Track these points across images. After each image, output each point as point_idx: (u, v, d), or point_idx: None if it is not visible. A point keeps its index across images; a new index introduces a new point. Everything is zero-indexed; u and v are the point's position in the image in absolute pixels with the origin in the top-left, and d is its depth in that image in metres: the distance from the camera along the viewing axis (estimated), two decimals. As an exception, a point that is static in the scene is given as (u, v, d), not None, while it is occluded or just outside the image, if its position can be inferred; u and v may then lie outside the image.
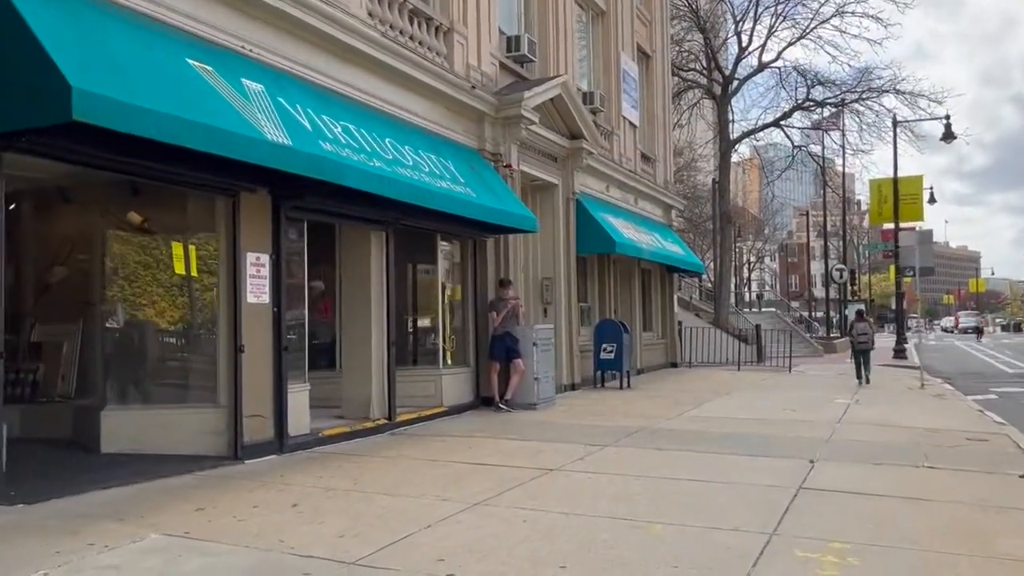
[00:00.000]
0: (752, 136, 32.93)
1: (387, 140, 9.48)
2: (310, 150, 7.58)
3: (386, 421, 10.02)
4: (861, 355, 17.39)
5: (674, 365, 22.56)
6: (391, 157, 9.19)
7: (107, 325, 8.40)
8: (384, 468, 7.62)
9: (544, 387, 12.43)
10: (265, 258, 8.25)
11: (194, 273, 8.25)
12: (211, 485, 6.77)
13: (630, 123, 19.70)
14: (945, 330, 69.99)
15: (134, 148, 6.51)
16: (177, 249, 8.24)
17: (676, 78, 30.00)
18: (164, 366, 8.52)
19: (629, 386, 16.04)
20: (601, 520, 5.72)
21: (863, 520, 5.80)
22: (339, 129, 8.55)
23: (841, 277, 38.55)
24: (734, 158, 34.78)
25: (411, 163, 9.58)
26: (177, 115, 6.00)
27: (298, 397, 8.61)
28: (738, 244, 54.11)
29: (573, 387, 15.17)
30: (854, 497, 6.53)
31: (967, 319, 71.13)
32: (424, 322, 12.28)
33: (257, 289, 8.13)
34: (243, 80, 7.44)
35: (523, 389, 12.13)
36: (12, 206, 8.71)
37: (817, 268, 74.91)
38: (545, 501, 6.28)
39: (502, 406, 11.92)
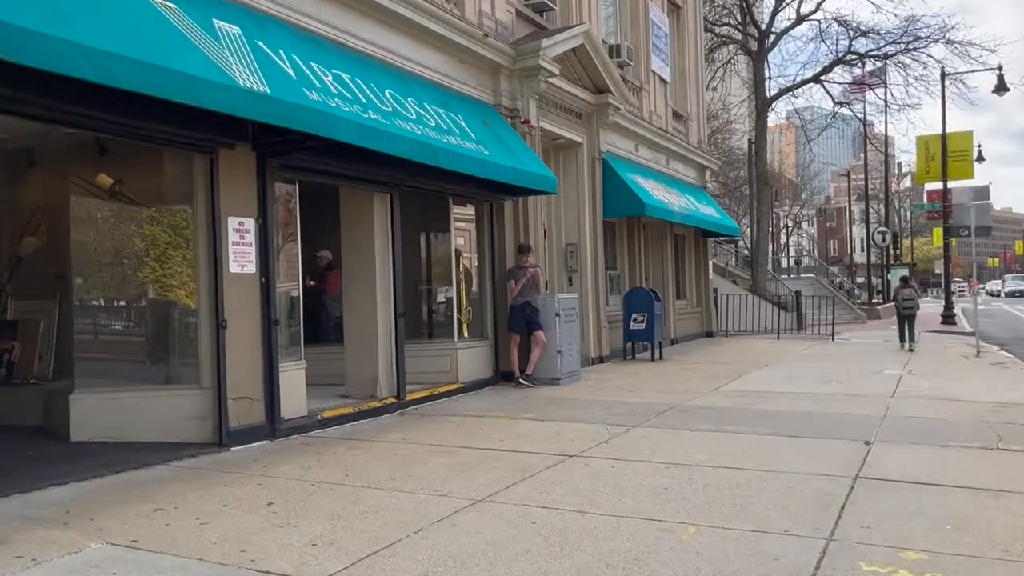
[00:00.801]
0: (790, 93, 31.29)
1: (387, 92, 8.56)
2: (292, 99, 6.69)
3: (394, 400, 9.22)
4: (906, 320, 17.35)
5: (709, 334, 21.52)
6: (390, 109, 8.27)
7: (76, 300, 7.65)
8: (383, 456, 6.81)
9: (568, 361, 11.53)
10: (250, 223, 7.41)
11: (171, 241, 7.42)
12: (183, 478, 6.00)
13: (660, 79, 18.52)
14: (991, 294, 67.73)
15: (91, 98, 5.71)
16: (153, 214, 7.42)
17: (709, 34, 28.54)
18: (140, 344, 7.76)
19: (661, 358, 15.09)
20: (624, 522, 4.84)
21: (937, 520, 4.84)
22: (329, 78, 7.64)
23: (884, 241, 37.00)
24: (770, 122, 33.20)
25: (414, 117, 8.66)
26: (118, 53, 5.13)
27: (292, 376, 7.82)
28: (775, 210, 52.47)
29: (601, 360, 14.26)
30: (922, 489, 5.56)
31: (1014, 282, 68.73)
32: (437, 292, 11.43)
33: (241, 258, 7.31)
34: (215, 21, 6.56)
35: (545, 363, 11.25)
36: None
37: (857, 232, 72.84)
38: (559, 496, 5.41)
39: (523, 381, 11.06)
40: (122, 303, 7.70)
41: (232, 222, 7.23)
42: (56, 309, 7.94)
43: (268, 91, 6.40)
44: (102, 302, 7.74)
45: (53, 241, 7.91)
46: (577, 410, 9.11)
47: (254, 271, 7.44)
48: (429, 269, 11.67)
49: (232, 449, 7.01)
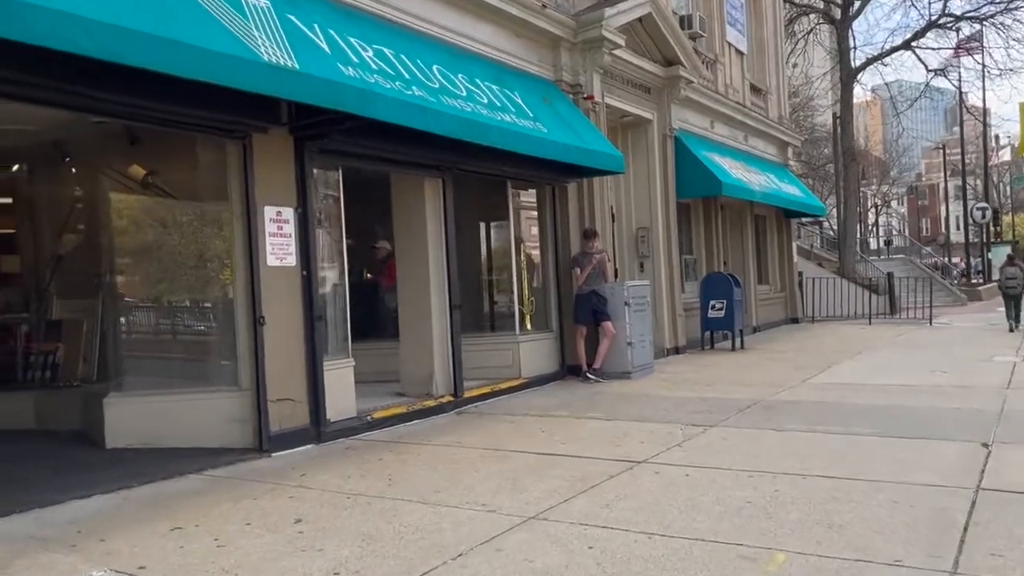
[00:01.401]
0: (878, 62, 29.41)
1: (434, 67, 7.95)
2: (324, 75, 6.14)
3: (452, 398, 8.64)
4: (1012, 300, 16.52)
5: (795, 321, 20.31)
6: (437, 86, 7.66)
7: (112, 298, 7.31)
8: (431, 462, 6.22)
9: (639, 353, 10.76)
10: (289, 213, 6.92)
11: (206, 234, 7.00)
12: (214, 490, 5.54)
13: (736, 50, 17.43)
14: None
15: (105, 80, 5.28)
16: (186, 206, 7.01)
17: (788, 4, 27.02)
18: (179, 345, 7.37)
19: (742, 347, 14.14)
20: (699, 547, 4.11)
21: (1088, 547, 3.95)
22: (369, 53, 7.08)
23: (983, 217, 34.68)
24: (855, 97, 31.31)
25: (464, 94, 8.03)
26: (122, 26, 4.64)
27: (339, 375, 7.32)
28: (863, 189, 49.94)
29: (676, 351, 13.41)
30: (1062, 505, 4.65)
31: None
32: (497, 282, 10.80)
33: (279, 250, 6.82)
34: (241, -7, 6.05)
35: (614, 356, 10.51)
36: (16, 167, 7.79)
37: (952, 210, 68.97)
38: (623, 513, 4.71)
39: (590, 376, 10.35)
40: (159, 301, 7.32)
41: (269, 212, 6.74)
42: (99, 308, 7.63)
43: (296, 66, 5.86)
44: (139, 300, 7.39)
45: (92, 238, 7.59)
46: (648, 407, 8.36)
47: (294, 264, 6.95)
48: (488, 258, 11.06)
49: (273, 455, 6.55)
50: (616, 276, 12.54)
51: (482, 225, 11.05)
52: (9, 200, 8.20)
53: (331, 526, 4.65)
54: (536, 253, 10.98)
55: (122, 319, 7.41)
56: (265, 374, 6.61)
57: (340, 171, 7.59)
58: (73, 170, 7.60)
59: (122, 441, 6.51)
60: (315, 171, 7.24)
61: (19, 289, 8.08)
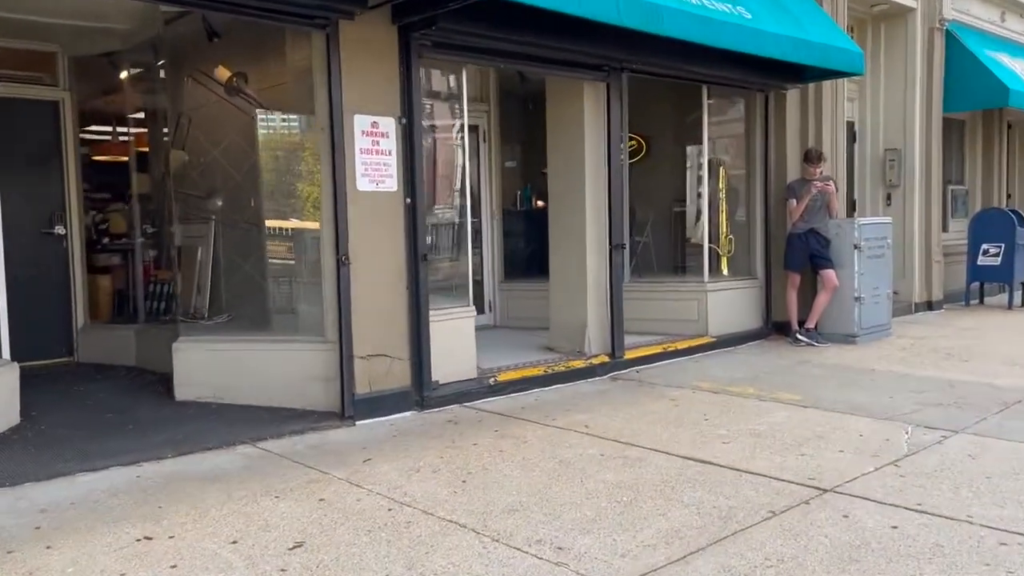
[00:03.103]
0: None
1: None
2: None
3: (607, 359, 7.00)
4: None
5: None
6: (588, -45, 5.80)
7: (221, 224, 6.43)
8: (535, 455, 4.69)
9: (871, 310, 8.36)
10: (389, 124, 5.54)
11: (290, 149, 5.83)
12: (249, 474, 4.42)
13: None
14: None
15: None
16: (270, 115, 5.86)
17: None
18: (265, 284, 6.34)
19: (1022, 305, 10.98)
20: None
21: None
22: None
23: None
24: None
25: (629, -33, 6.09)
26: None
27: (454, 328, 5.98)
28: None
29: (929, 306, 10.62)
30: None
31: None
32: (682, 215, 8.85)
33: (374, 171, 5.48)
34: None
35: (836, 313, 8.23)
36: (124, 74, 7.06)
37: None
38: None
39: (801, 337, 8.19)
40: (250, 232, 6.33)
41: (360, 122, 5.40)
42: (211, 234, 6.82)
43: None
44: (237, 228, 6.46)
45: (195, 154, 6.74)
46: (868, 390, 6.19)
47: (394, 188, 5.59)
48: (674, 184, 9.09)
49: (358, 423, 5.37)
50: (855, 210, 10.10)
51: (663, 141, 9.07)
52: (140, 114, 7.58)
53: (337, 556, 3.30)
54: (738, 179, 8.84)
55: (221, 249, 6.54)
56: (352, 325, 5.38)
57: (464, 73, 6.06)
58: (165, 75, 6.76)
59: (191, 393, 5.64)
60: (424, 71, 5.77)
61: (148, 210, 7.52)
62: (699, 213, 8.47)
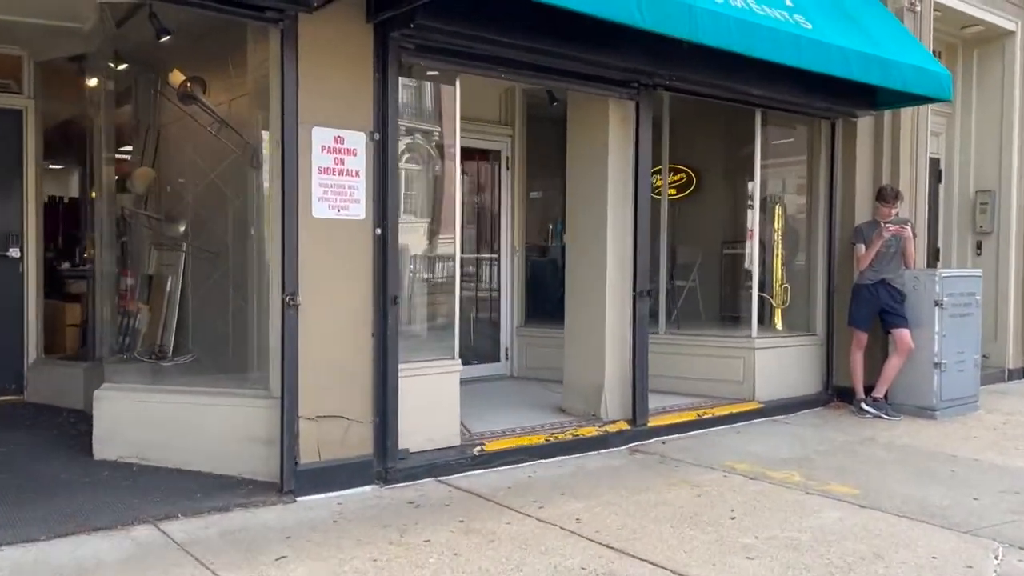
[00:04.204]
0: None
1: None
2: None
3: (627, 426, 5.89)
4: None
5: None
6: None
7: (191, 252, 5.62)
8: (500, 564, 3.62)
9: (954, 379, 7.02)
10: (357, 139, 4.64)
11: (240, 166, 4.97)
12: (129, 564, 3.49)
13: None
14: None
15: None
16: (219, 127, 5.02)
17: None
18: (213, 325, 5.46)
19: None
20: None
21: None
22: None
23: None
24: None
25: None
26: None
27: (429, 385, 4.99)
28: None
29: (1025, 374, 9.14)
30: None
31: None
32: (733, 258, 7.71)
33: (336, 195, 4.58)
34: None
35: (911, 381, 6.93)
36: (96, 81, 6.36)
37: None
38: None
39: (867, 407, 6.92)
40: (210, 260, 5.49)
41: (320, 136, 4.51)
42: (180, 264, 6.03)
43: None
44: (195, 258, 5.62)
45: (168, 172, 5.96)
46: (947, 484, 4.92)
47: (361, 216, 4.66)
48: (726, 222, 7.98)
49: (299, 500, 4.40)
50: (938, 260, 8.80)
51: (716, 175, 7.99)
52: (107, 126, 6.80)
53: None
54: (799, 219, 7.66)
55: (190, 280, 5.73)
56: (298, 378, 4.45)
57: (458, 84, 5.13)
58: (131, 83, 6.02)
59: (113, 451, 4.77)
60: (406, 76, 4.86)
61: (116, 233, 6.78)
62: (750, 256, 7.31)
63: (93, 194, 6.35)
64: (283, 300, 4.41)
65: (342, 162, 4.58)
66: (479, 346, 7.88)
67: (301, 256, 4.45)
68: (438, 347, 5.20)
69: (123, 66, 5.87)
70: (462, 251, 6.07)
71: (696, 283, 8.38)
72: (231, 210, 5.32)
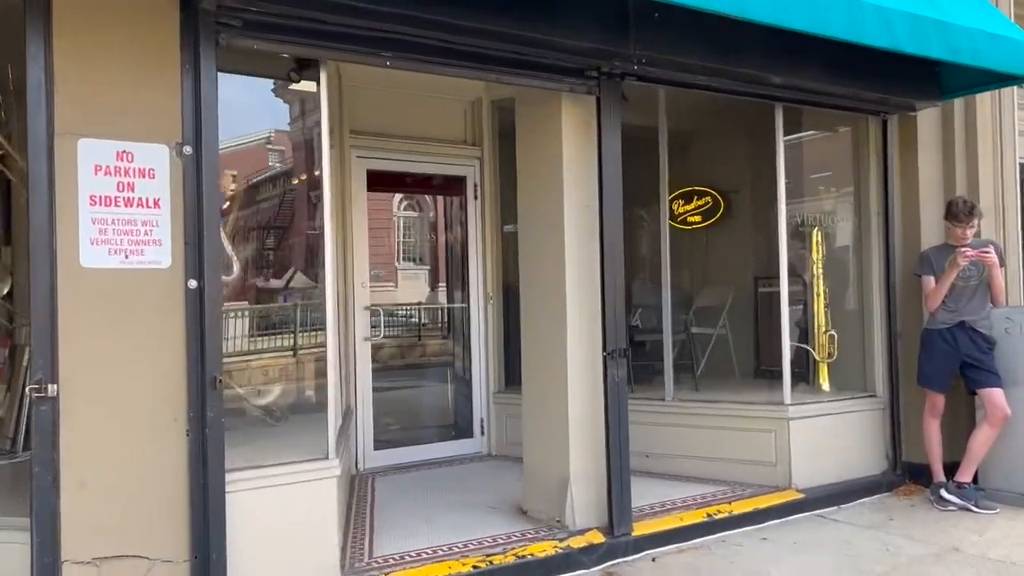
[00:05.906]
0: None
1: None
2: None
3: (601, 537, 4.24)
4: None
5: None
6: None
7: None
8: None
9: (1072, 457, 5.12)
10: (156, 154, 3.25)
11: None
12: None
13: None
14: None
15: None
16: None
17: None
18: None
19: None
20: None
21: None
22: None
23: None
24: None
25: None
26: None
27: (284, 498, 3.50)
28: None
29: None
30: None
31: None
32: (769, 297, 6.04)
33: (123, 235, 3.19)
34: None
35: (1010, 458, 5.07)
36: None
37: None
38: None
39: (948, 496, 5.07)
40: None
41: (90, 151, 3.13)
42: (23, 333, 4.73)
43: None
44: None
45: None
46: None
47: (165, 264, 3.25)
48: (751, 254, 6.33)
49: None
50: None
51: (749, 199, 6.38)
52: None
53: None
54: (844, 247, 5.93)
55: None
56: (60, 500, 3.03)
57: (324, 75, 3.70)
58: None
59: None
60: (233, 73, 3.47)
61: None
62: (772, 296, 5.62)
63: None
64: (28, 392, 3.02)
65: (131, 187, 3.20)
66: (447, 419, 6.38)
67: (62, 324, 3.06)
68: (301, 444, 3.71)
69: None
70: (370, 301, 4.60)
71: (727, 330, 6.74)
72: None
